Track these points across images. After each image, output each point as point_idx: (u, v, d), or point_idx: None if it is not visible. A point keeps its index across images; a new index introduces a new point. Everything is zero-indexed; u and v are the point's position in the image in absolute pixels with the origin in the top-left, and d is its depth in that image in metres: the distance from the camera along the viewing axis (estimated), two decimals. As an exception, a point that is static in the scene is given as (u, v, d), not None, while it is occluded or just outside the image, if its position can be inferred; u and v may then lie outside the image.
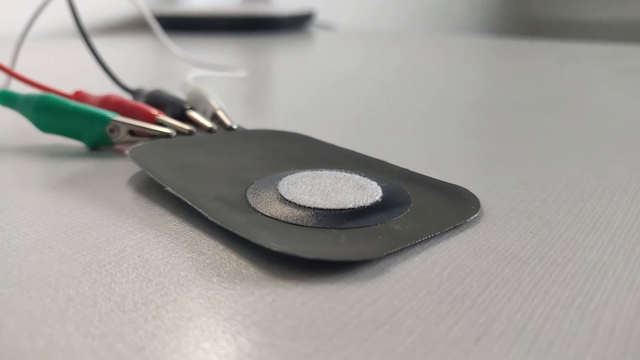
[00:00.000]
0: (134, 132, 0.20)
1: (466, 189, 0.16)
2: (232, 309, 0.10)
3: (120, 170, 0.18)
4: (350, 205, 0.14)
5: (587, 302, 0.11)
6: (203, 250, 0.13)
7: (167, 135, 0.20)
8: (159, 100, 0.24)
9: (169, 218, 0.15)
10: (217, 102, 0.23)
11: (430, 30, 1.20)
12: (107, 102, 0.22)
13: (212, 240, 0.13)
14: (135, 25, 0.75)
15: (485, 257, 0.12)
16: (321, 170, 0.17)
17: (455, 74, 0.43)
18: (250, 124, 0.23)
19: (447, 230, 0.14)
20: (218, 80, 0.36)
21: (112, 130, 0.20)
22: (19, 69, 0.32)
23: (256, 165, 0.18)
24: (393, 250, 0.12)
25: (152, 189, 0.17)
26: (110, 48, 0.56)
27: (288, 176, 0.16)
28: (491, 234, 0.14)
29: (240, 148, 0.19)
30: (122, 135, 0.20)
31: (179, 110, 0.23)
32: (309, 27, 0.84)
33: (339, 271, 0.12)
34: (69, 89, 0.25)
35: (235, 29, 0.74)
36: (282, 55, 0.55)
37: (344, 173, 0.17)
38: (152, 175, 0.16)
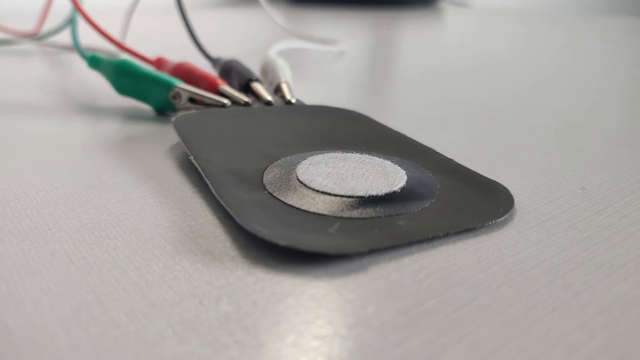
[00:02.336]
0: (194, 100, 0.21)
1: (504, 188, 0.14)
2: (184, 287, 0.10)
3: (170, 136, 0.19)
4: (360, 193, 0.13)
5: (580, 342, 0.09)
6: (195, 223, 0.13)
7: (223, 105, 0.20)
8: (230, 70, 0.24)
9: (187, 187, 0.15)
10: (284, 75, 0.23)
11: (580, 11, 1.08)
12: (179, 69, 0.23)
13: (211, 214, 0.13)
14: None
15: (486, 270, 0.11)
16: (352, 153, 0.16)
17: (620, 61, 0.38)
18: (327, 101, 0.23)
19: (461, 232, 0.12)
20: (315, 54, 0.36)
21: (174, 97, 0.21)
22: (129, 37, 0.34)
23: (294, 141, 0.17)
24: (380, 247, 0.11)
25: (186, 158, 0.17)
26: (220, 19, 0.58)
27: (314, 156, 0.16)
28: (508, 244, 0.12)
29: (287, 123, 0.19)
30: (183, 101, 0.21)
31: (244, 81, 0.23)
32: (440, 3, 0.81)
33: (314, 262, 0.11)
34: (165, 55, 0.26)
35: (364, 3, 0.73)
36: (400, 31, 0.53)
37: (376, 158, 0.16)
38: (182, 143, 0.16)
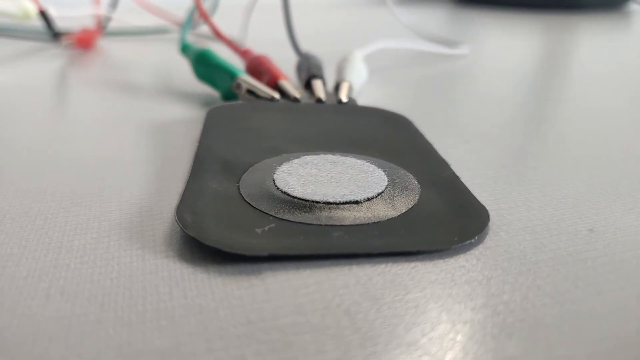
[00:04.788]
0: (251, 91, 0.22)
1: (486, 216, 0.12)
2: (90, 270, 0.11)
3: (214, 122, 0.20)
4: (316, 198, 0.13)
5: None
6: (156, 207, 0.14)
7: (272, 99, 0.21)
8: (301, 66, 0.24)
9: (182, 170, 0.16)
10: (348, 75, 0.23)
11: None
12: (254, 62, 0.24)
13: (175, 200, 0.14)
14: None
15: (368, 300, 0.10)
16: (349, 157, 0.15)
17: None
18: (421, 107, 0.22)
19: (390, 254, 0.11)
20: (429, 56, 0.34)
21: (236, 87, 0.22)
22: (250, 30, 0.36)
23: (313, 140, 0.17)
24: (283, 255, 0.11)
25: (205, 143, 0.18)
26: (355, 17, 0.58)
27: (307, 156, 0.15)
28: (438, 277, 0.10)
29: (320, 121, 0.19)
30: (243, 92, 0.22)
31: (307, 77, 0.23)
32: (628, 6, 0.71)
33: (219, 260, 0.11)
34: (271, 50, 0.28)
35: (539, 6, 0.67)
36: (576, 37, 0.48)
37: (371, 165, 0.15)
38: (200, 132, 0.17)
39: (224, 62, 0.23)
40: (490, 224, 0.13)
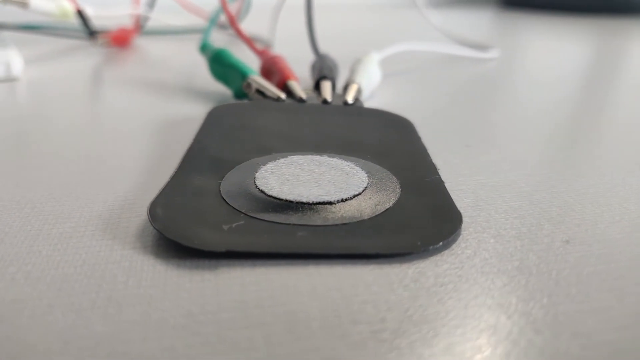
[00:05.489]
0: (260, 91, 0.22)
1: (457, 222, 0.12)
2: (53, 261, 0.12)
3: (220, 120, 0.21)
4: (290, 198, 0.13)
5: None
6: (139, 200, 0.14)
7: (278, 99, 0.21)
8: (314, 66, 0.24)
9: (175, 167, 0.16)
10: (358, 76, 0.23)
11: None
12: (268, 61, 0.24)
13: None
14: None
15: (308, 300, 0.10)
16: (335, 159, 0.15)
17: None
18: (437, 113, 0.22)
19: (349, 256, 0.11)
20: (458, 59, 0.34)
21: (247, 86, 0.22)
22: (281, 30, 0.37)
23: (306, 140, 0.17)
24: (242, 251, 0.11)
25: (205, 140, 0.18)
26: (383, 17, 0.58)
27: (294, 156, 0.16)
28: (382, 279, 0.10)
29: (320, 122, 0.19)
30: (253, 91, 0.22)
31: (317, 78, 0.23)
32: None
33: (182, 255, 0.11)
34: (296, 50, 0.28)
35: (592, 11, 0.65)
36: (628, 42, 0.46)
37: (355, 167, 0.15)
38: (198, 130, 0.18)
39: (238, 61, 0.23)
40: (465, 230, 0.12)
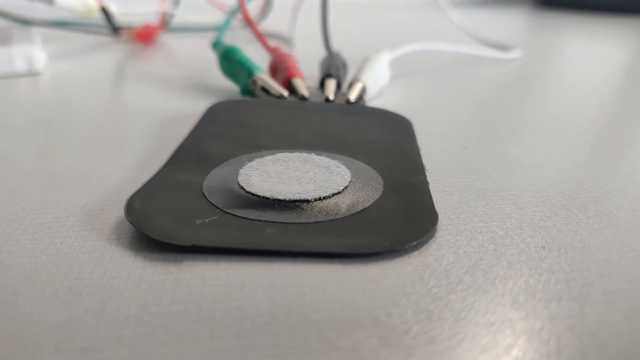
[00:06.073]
0: (264, 89, 0.22)
1: (430, 224, 0.12)
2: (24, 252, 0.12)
3: (222, 117, 0.21)
4: (266, 195, 0.13)
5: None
6: (124, 193, 0.14)
7: (280, 96, 0.21)
8: (322, 64, 0.24)
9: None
10: (364, 75, 0.23)
11: None
12: (277, 59, 0.25)
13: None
14: None
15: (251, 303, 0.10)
16: (322, 156, 0.15)
17: None
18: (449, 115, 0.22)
19: (315, 254, 0.11)
20: (478, 59, 0.33)
21: (252, 83, 0.23)
22: (303, 28, 0.37)
23: (300, 138, 0.17)
24: (207, 245, 0.11)
25: (201, 136, 0.18)
26: (408, 16, 0.57)
27: (282, 154, 0.16)
28: (340, 277, 0.10)
29: (319, 120, 0.19)
30: (258, 89, 0.22)
31: (322, 76, 0.23)
32: None
33: (152, 247, 0.12)
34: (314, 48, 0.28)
35: (629, 11, 0.63)
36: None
37: (341, 166, 0.15)
38: (194, 126, 0.18)
39: (245, 59, 0.24)
40: (440, 232, 0.12)
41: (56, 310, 0.09)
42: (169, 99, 0.24)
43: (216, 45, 0.27)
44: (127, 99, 0.24)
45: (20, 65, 0.29)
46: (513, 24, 0.56)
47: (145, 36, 0.38)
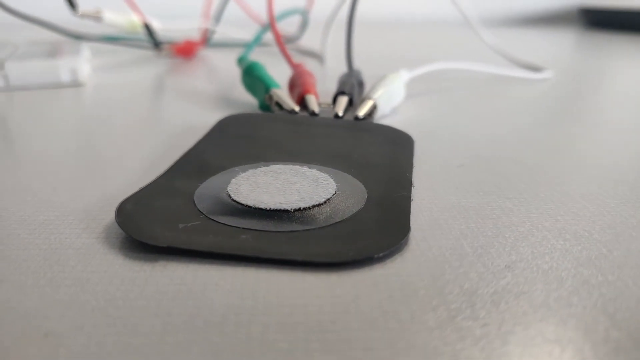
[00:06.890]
0: (278, 103, 0.23)
1: (399, 239, 0.12)
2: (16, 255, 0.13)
3: (235, 129, 0.22)
4: (250, 204, 0.14)
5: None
6: (124, 196, 0.15)
7: (292, 111, 0.22)
8: (339, 81, 0.25)
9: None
10: (376, 93, 0.23)
11: None
12: (295, 75, 0.25)
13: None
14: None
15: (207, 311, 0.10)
16: (313, 169, 0.16)
17: None
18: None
19: (281, 262, 0.12)
20: (507, 79, 0.33)
21: (269, 99, 0.24)
22: (335, 44, 0.38)
23: (299, 152, 0.18)
24: (180, 247, 0.12)
25: (210, 147, 0.19)
26: (444, 35, 0.56)
27: (275, 166, 0.16)
28: (301, 284, 0.11)
29: (323, 135, 0.20)
30: (273, 104, 0.23)
31: (335, 93, 0.24)
32: None
33: (135, 247, 0.12)
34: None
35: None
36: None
37: (329, 180, 0.15)
38: (202, 137, 0.19)
39: (264, 75, 0.25)
40: (410, 247, 0.13)
41: (32, 299, 0.10)
42: (196, 110, 0.25)
43: (241, 60, 0.28)
44: (159, 109, 0.25)
45: (65, 76, 0.31)
46: (557, 45, 0.55)
47: (186, 51, 0.40)
